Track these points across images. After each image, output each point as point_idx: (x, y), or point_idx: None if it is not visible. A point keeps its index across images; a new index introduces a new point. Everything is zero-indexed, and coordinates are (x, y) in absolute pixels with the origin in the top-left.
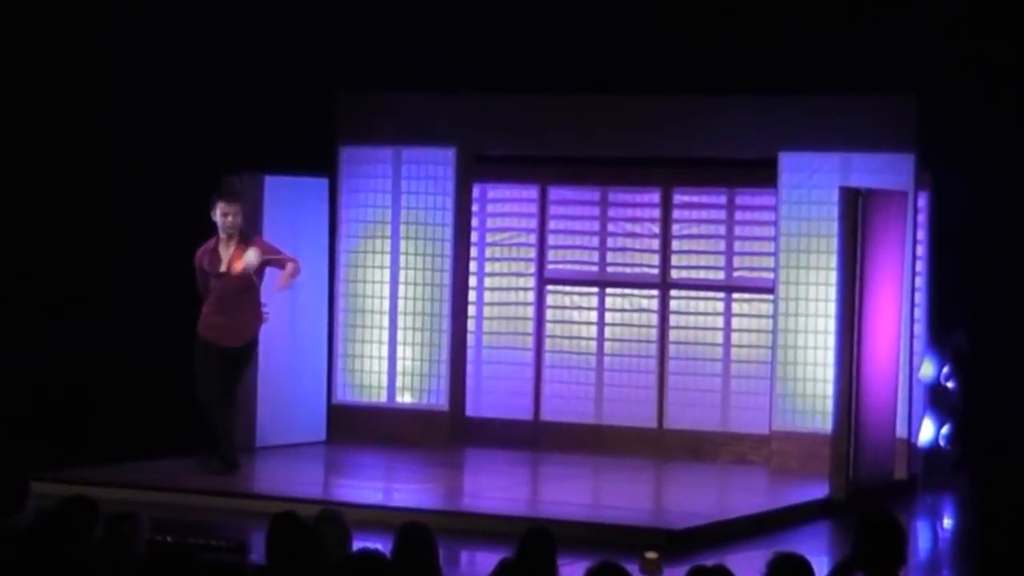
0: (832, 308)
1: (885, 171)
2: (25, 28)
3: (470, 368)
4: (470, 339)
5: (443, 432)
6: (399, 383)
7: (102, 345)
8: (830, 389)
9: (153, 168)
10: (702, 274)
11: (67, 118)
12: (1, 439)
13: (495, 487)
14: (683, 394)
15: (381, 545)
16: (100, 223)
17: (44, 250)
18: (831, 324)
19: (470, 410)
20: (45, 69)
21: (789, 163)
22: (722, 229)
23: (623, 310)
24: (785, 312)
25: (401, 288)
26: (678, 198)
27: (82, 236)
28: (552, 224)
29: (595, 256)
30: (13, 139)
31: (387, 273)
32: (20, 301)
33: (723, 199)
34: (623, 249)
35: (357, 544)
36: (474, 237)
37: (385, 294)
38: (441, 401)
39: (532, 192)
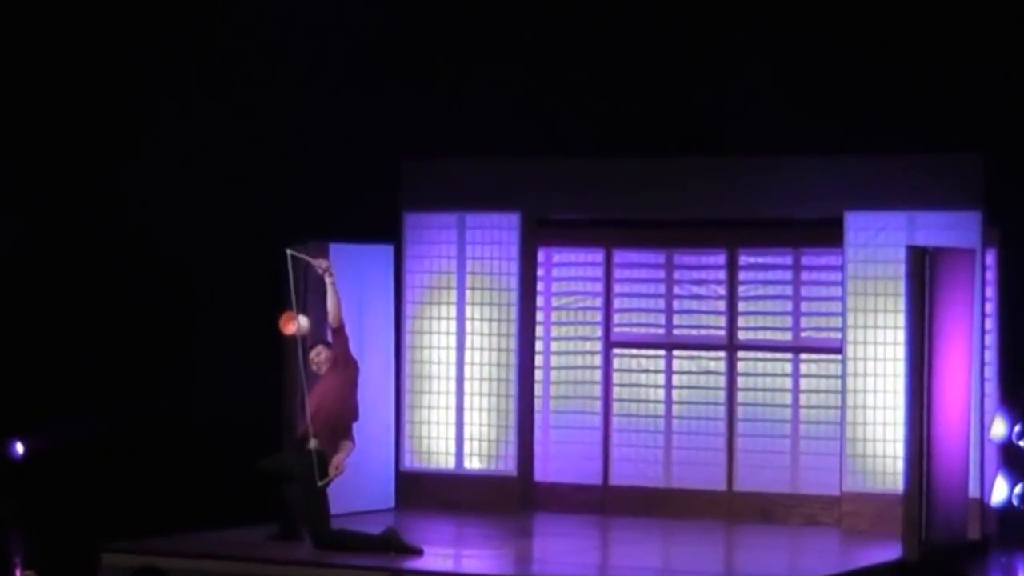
0: (901, 367)
1: (952, 229)
2: (99, 90)
3: (538, 433)
4: (537, 403)
5: (512, 497)
6: (467, 449)
7: (172, 414)
8: (901, 449)
9: (220, 237)
10: (769, 335)
11: (134, 188)
12: (72, 509)
13: (565, 552)
14: (752, 456)
15: None
16: (169, 292)
17: (113, 319)
18: (900, 384)
19: (539, 475)
20: (107, 136)
21: (855, 222)
22: (788, 290)
23: (690, 372)
24: (854, 372)
25: (467, 353)
26: (743, 259)
27: (152, 305)
28: (617, 287)
29: (661, 319)
30: (81, 207)
31: (453, 339)
32: (91, 370)
33: (789, 259)
34: (689, 311)
35: None
36: (540, 301)
37: (451, 359)
38: (510, 466)
39: (597, 255)
